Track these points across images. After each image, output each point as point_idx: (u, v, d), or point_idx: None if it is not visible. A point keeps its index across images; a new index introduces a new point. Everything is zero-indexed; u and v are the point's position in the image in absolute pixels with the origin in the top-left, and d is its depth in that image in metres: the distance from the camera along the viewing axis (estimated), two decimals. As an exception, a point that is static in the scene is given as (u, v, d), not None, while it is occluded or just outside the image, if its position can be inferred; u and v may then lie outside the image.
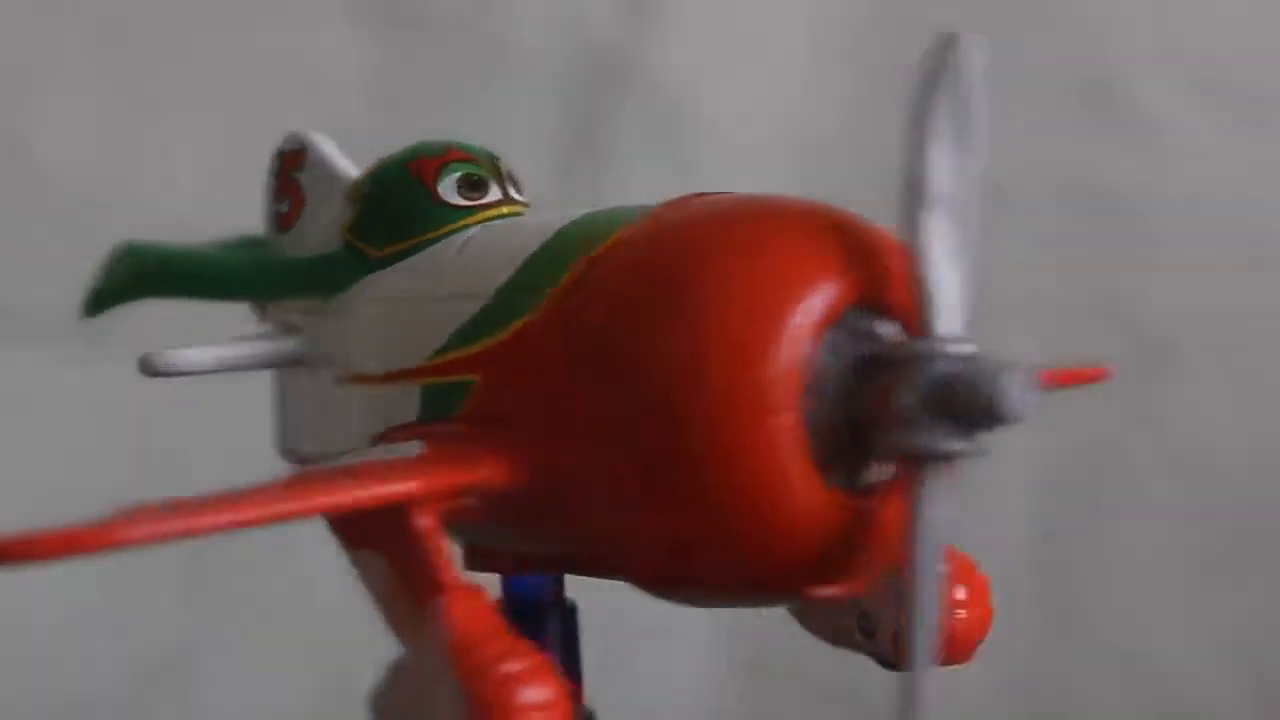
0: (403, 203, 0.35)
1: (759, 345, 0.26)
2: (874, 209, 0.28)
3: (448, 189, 0.34)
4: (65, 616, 0.69)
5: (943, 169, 0.26)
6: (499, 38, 0.76)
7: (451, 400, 0.30)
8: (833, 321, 0.26)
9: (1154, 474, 0.77)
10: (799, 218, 0.28)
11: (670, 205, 0.29)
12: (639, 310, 0.27)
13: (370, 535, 0.28)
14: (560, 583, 0.36)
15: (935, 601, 0.26)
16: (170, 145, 0.72)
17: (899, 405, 0.26)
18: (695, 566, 0.27)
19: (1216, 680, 0.76)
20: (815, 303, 0.26)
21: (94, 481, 0.52)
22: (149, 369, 0.40)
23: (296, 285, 0.37)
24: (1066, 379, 0.41)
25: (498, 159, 0.36)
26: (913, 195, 0.26)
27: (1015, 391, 0.25)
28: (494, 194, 0.35)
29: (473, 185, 0.34)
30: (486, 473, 0.28)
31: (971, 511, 0.83)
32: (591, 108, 0.77)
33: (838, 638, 0.33)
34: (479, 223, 0.34)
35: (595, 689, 0.37)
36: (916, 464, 0.26)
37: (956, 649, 0.30)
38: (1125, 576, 0.77)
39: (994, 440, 0.26)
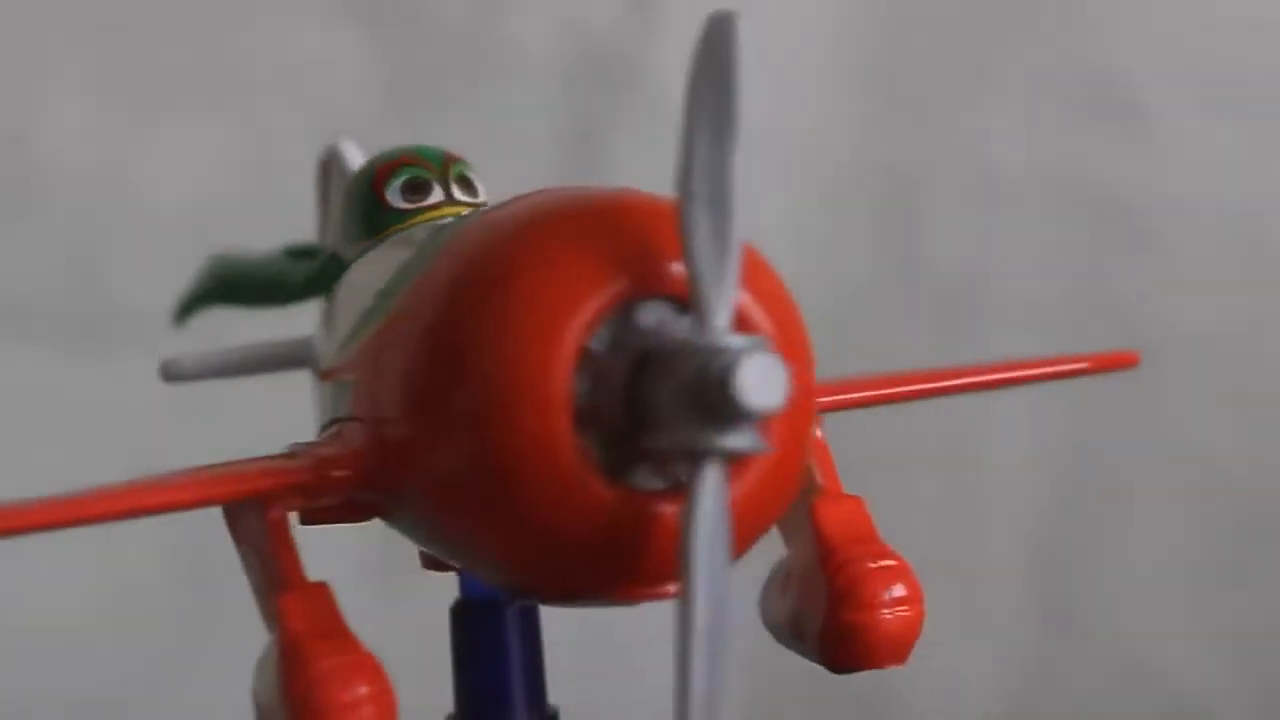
0: (360, 207, 0.35)
1: (531, 343, 0.25)
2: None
3: (393, 193, 0.35)
4: (65, 616, 0.69)
5: (703, 158, 0.25)
6: (500, 38, 0.76)
7: (344, 399, 0.30)
8: (609, 316, 0.26)
9: (1154, 474, 0.77)
10: (588, 210, 0.27)
11: (487, 211, 0.29)
12: (443, 317, 0.27)
13: (246, 533, 0.29)
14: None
15: (712, 604, 0.24)
16: (170, 145, 0.72)
17: (658, 401, 0.25)
18: (512, 569, 0.27)
19: (1217, 681, 0.76)
20: (594, 298, 0.25)
21: (93, 480, 0.52)
22: (172, 374, 0.39)
23: (319, 288, 0.38)
24: (1099, 365, 0.40)
25: (453, 162, 0.36)
26: (679, 186, 0.25)
27: (753, 384, 0.24)
28: (435, 196, 0.35)
29: (415, 188, 0.35)
30: (338, 471, 0.29)
31: (972, 512, 0.83)
32: (592, 108, 0.77)
33: (778, 636, 0.32)
34: (419, 224, 0.34)
35: (593, 689, 0.37)
36: (686, 461, 0.25)
37: (890, 650, 0.30)
38: (1125, 577, 0.77)
39: (758, 434, 0.24)
